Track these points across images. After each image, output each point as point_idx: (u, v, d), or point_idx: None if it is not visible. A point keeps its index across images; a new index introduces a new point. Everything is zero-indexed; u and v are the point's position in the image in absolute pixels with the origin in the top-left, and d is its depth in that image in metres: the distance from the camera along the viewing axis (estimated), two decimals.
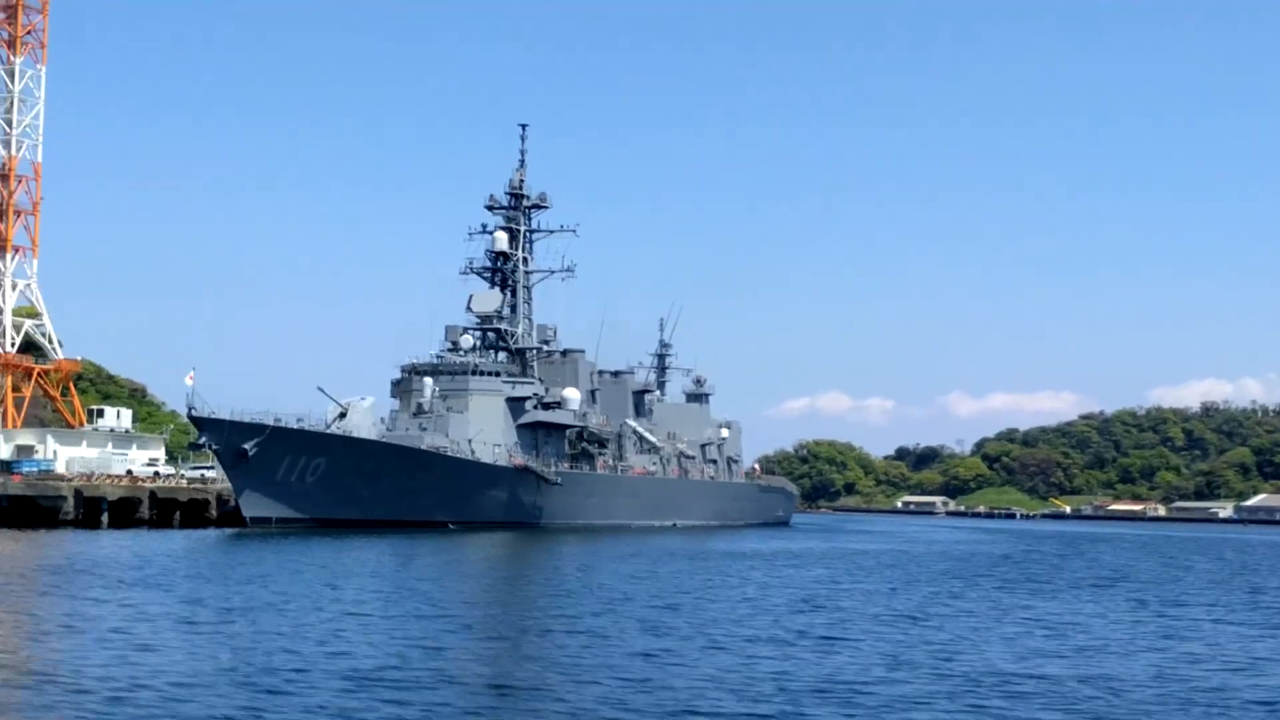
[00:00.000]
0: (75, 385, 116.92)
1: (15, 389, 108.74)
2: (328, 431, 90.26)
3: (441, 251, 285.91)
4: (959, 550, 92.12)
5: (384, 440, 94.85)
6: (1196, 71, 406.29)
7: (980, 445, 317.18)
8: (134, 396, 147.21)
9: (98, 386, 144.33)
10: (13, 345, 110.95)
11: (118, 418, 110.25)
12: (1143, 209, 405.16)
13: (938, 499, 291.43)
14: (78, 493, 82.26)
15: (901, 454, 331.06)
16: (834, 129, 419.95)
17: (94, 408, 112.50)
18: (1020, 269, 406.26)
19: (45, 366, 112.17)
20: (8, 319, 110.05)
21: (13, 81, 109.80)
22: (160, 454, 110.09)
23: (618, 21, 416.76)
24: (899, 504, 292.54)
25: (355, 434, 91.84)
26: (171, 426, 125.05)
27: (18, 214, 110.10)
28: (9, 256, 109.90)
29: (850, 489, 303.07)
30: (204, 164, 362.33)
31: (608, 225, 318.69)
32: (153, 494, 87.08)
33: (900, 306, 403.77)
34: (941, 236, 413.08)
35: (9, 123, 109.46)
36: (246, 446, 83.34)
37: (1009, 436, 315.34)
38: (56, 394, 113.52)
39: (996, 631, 36.54)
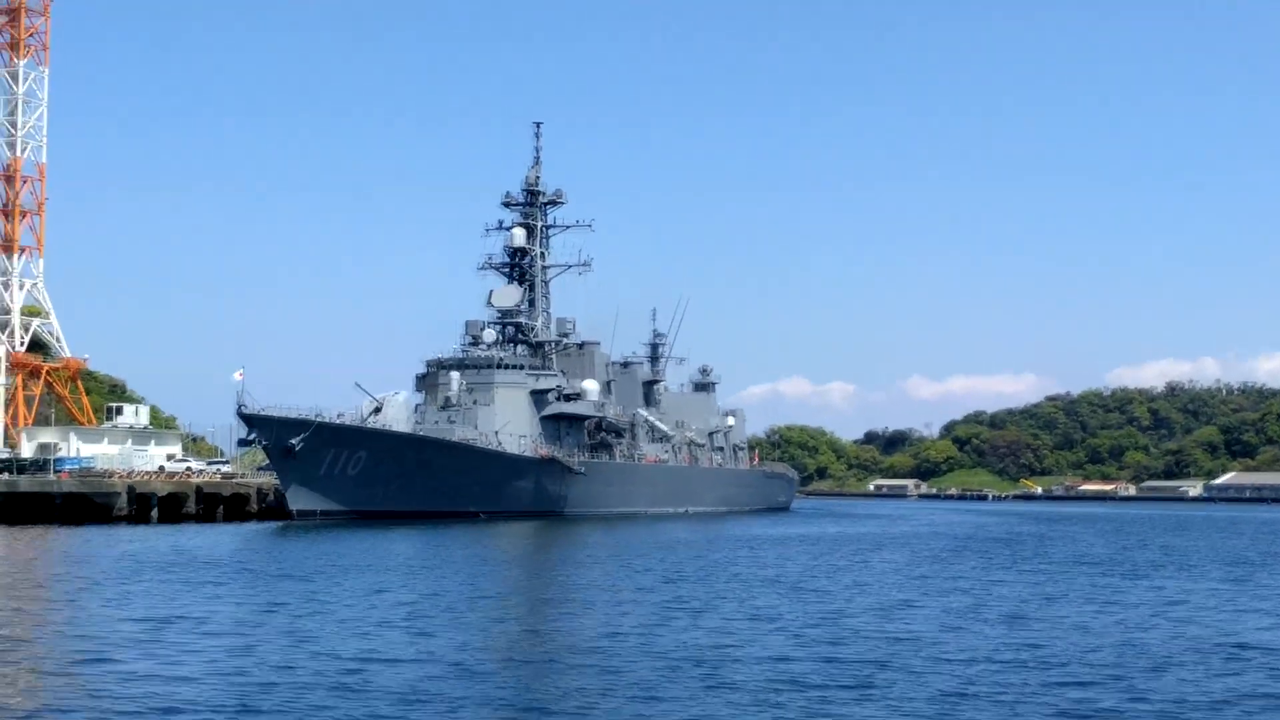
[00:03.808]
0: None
1: (24, 387, 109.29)
2: (368, 427, 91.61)
3: (459, 248, 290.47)
4: (986, 533, 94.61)
5: (420, 434, 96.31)
6: (1149, 53, 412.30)
7: (950, 428, 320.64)
8: (113, 392, 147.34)
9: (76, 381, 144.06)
10: (21, 344, 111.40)
11: (136, 415, 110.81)
12: (1095, 191, 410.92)
13: (909, 482, 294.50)
14: (130, 489, 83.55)
15: (871, 438, 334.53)
16: (807, 117, 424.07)
17: (112, 405, 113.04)
18: (976, 252, 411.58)
19: (53, 365, 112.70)
20: (16, 318, 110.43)
21: (16, 84, 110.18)
22: (178, 449, 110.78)
23: (630, 18, 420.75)
24: (871, 487, 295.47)
25: (392, 428, 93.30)
26: (185, 427, 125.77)
27: (23, 214, 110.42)
28: (15, 257, 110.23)
29: (822, 473, 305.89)
30: (215, 164, 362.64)
31: (622, 217, 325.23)
32: (198, 490, 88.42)
33: (858, 291, 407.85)
34: (897, 222, 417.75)
35: (13, 124, 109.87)
36: (293, 442, 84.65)
37: (977, 419, 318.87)
38: (65, 392, 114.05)
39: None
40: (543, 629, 31.94)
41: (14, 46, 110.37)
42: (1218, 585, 47.74)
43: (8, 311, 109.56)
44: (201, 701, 22.29)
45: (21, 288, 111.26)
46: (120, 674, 24.74)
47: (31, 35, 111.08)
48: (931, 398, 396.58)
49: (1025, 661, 27.33)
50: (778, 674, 25.32)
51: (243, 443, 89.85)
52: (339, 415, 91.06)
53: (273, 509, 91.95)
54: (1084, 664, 27.19)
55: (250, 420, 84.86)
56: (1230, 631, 33.19)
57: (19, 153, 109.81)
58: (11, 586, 40.46)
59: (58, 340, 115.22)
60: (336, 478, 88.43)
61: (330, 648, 28.22)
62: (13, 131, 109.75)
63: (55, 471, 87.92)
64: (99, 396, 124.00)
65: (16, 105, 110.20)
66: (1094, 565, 58.26)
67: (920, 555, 64.16)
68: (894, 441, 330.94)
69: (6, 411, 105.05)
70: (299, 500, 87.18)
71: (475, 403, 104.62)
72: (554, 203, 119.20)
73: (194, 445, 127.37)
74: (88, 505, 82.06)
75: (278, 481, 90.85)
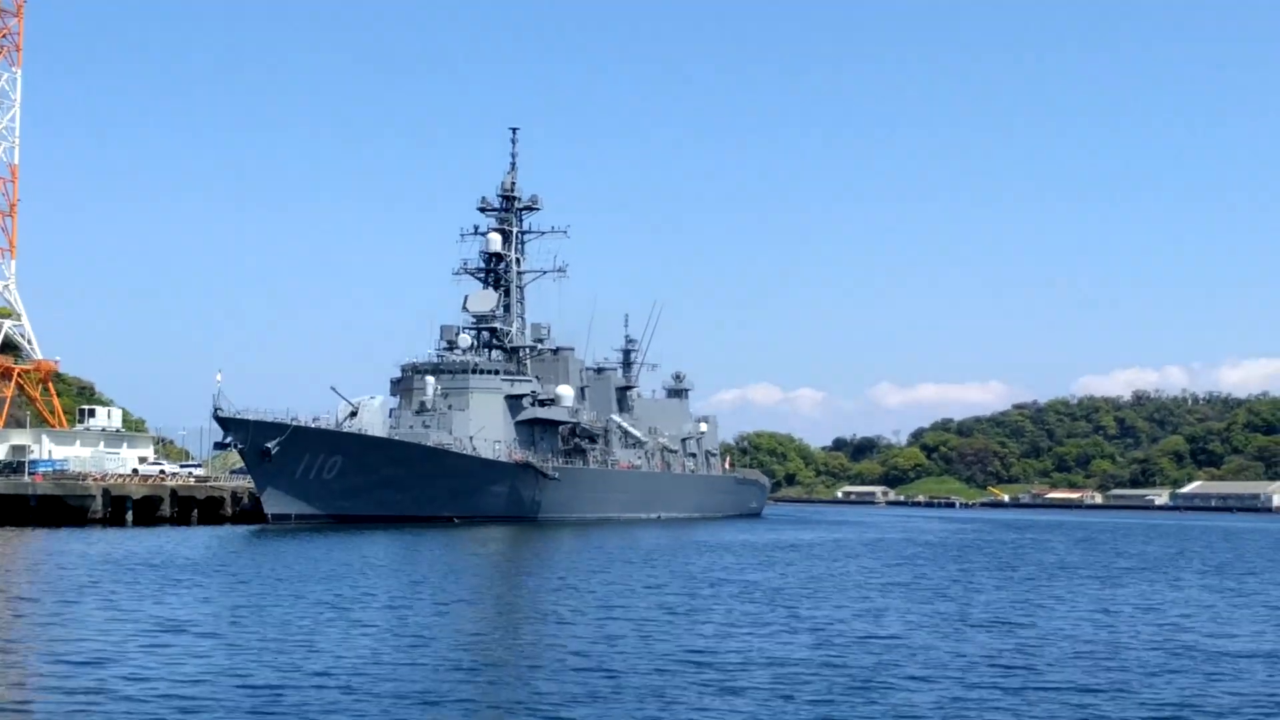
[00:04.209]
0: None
1: None
2: (344, 431, 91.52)
3: (434, 253, 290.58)
4: (961, 540, 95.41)
5: (396, 438, 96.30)
6: (1112, 70, 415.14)
7: (918, 435, 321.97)
8: (82, 394, 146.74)
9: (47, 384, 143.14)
10: None
11: (108, 417, 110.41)
12: (1062, 202, 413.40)
13: (877, 489, 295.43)
14: (105, 492, 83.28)
15: (839, 444, 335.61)
16: (781, 130, 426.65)
17: (84, 407, 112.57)
18: (944, 261, 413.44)
19: (25, 366, 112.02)
20: None
21: None
22: (150, 452, 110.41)
23: (608, 26, 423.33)
24: (839, 494, 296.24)
25: (368, 432, 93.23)
26: (155, 430, 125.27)
27: None
28: None
29: (791, 480, 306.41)
30: (189, 168, 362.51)
31: (596, 224, 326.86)
32: (173, 492, 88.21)
33: (828, 298, 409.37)
34: (867, 231, 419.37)
35: None
36: (269, 446, 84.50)
37: (945, 426, 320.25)
38: (36, 394, 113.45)
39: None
40: (529, 635, 32.05)
41: None
42: (1202, 593, 48.37)
43: None
44: (171, 706, 22.51)
45: None
46: (107, 677, 24.87)
47: (4, 36, 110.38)
48: (899, 405, 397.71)
49: (1021, 667, 27.67)
50: (776, 679, 25.58)
51: (219, 445, 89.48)
52: (315, 419, 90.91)
53: (247, 512, 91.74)
54: (1080, 669, 27.57)
55: (226, 423, 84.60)
56: (1222, 637, 33.72)
57: None
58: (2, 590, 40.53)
59: (29, 342, 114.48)
60: (312, 482, 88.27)
61: (307, 653, 28.38)
62: None
63: (30, 474, 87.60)
64: (68, 399, 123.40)
65: None
66: (1075, 571, 58.91)
67: (900, 562, 64.62)
68: (862, 448, 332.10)
69: None
70: (275, 504, 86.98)
71: (450, 407, 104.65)
72: (530, 208, 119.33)
73: (163, 448, 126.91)
74: (62, 508, 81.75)
75: (252, 485, 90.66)
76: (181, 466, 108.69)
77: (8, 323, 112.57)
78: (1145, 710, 23.23)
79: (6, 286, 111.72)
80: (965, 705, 23.30)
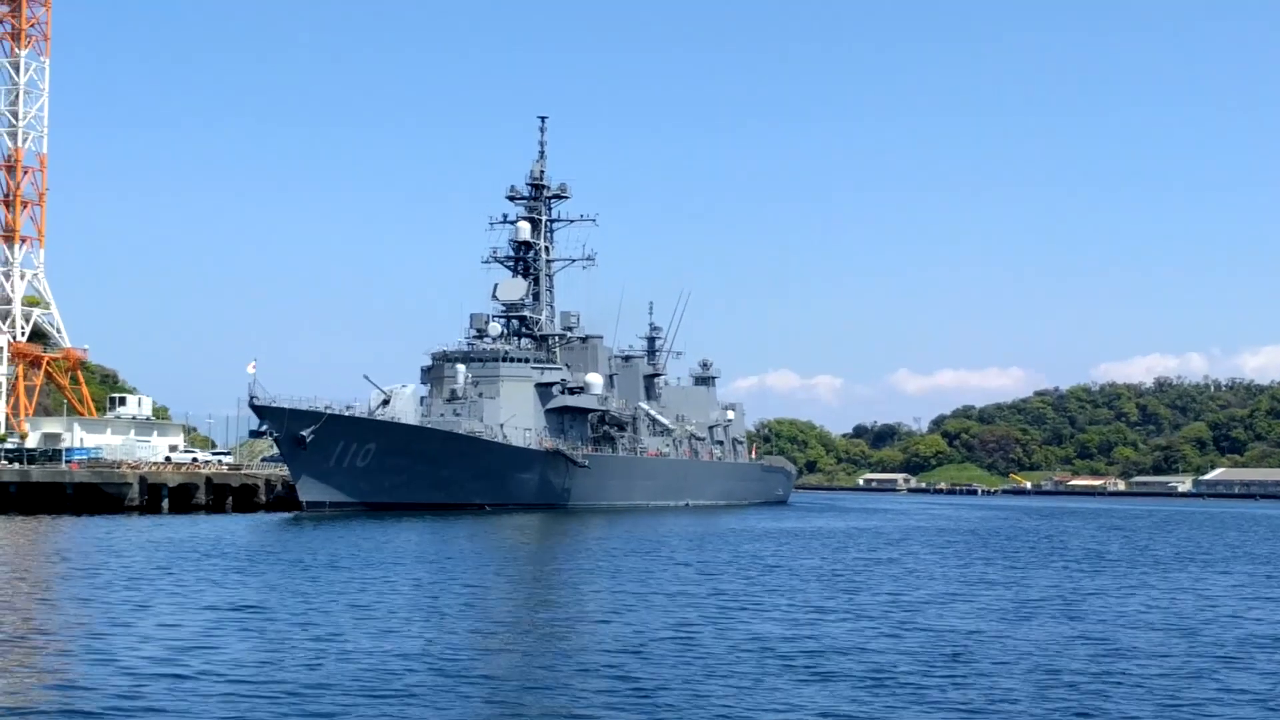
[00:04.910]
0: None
1: (24, 377, 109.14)
2: (377, 419, 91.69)
3: (463, 242, 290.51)
4: (992, 528, 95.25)
5: (428, 426, 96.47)
6: (1136, 62, 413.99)
7: (939, 422, 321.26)
8: (105, 382, 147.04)
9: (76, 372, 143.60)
10: (22, 334, 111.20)
11: (139, 406, 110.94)
12: (1082, 188, 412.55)
13: (899, 476, 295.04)
14: (142, 480, 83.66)
15: (860, 432, 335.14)
16: (804, 120, 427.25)
17: (115, 395, 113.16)
18: (962, 247, 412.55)
19: (54, 355, 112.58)
20: (17, 308, 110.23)
21: (18, 74, 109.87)
22: (180, 440, 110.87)
23: (635, 16, 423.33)
24: (860, 481, 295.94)
25: (400, 420, 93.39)
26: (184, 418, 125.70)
27: (24, 205, 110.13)
28: (17, 247, 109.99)
29: (812, 467, 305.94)
30: (218, 158, 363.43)
31: (620, 211, 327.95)
32: (208, 480, 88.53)
33: (846, 285, 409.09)
34: (886, 217, 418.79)
35: (15, 115, 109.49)
36: (304, 434, 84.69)
37: (966, 414, 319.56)
38: (65, 382, 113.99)
39: None
40: (603, 623, 32.06)
41: (16, 37, 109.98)
42: (1255, 581, 48.27)
43: (9, 301, 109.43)
44: (281, 689, 22.53)
45: (22, 278, 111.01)
46: (205, 662, 25.02)
47: (33, 25, 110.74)
48: (918, 392, 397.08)
49: (1104, 654, 27.68)
50: (865, 666, 25.59)
51: (254, 433, 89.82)
52: (348, 408, 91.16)
53: (281, 499, 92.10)
54: (1153, 655, 27.57)
55: (262, 411, 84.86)
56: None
57: (20, 143, 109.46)
58: (65, 577, 40.67)
59: (58, 331, 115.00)
60: (346, 470, 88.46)
61: (398, 637, 28.56)
62: (14, 122, 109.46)
63: (66, 462, 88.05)
64: (93, 387, 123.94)
65: (18, 95, 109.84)
66: (1115, 561, 58.80)
67: (943, 549, 64.58)
68: (883, 436, 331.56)
69: (7, 401, 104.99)
70: (310, 492, 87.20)
71: (481, 395, 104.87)
72: (559, 197, 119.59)
73: (188, 436, 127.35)
74: (99, 495, 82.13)
75: (285, 472, 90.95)
76: (213, 454, 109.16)
77: (36, 311, 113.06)
78: (1226, 695, 23.18)
79: (35, 275, 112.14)
80: (1057, 690, 23.25)
